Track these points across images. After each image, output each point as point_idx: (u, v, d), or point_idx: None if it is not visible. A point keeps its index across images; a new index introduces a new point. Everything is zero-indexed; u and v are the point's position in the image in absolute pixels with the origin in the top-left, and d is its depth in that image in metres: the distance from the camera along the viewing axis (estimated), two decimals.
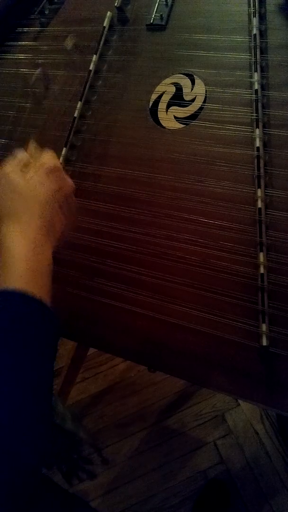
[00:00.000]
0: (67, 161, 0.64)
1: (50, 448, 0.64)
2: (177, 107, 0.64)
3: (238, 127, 0.58)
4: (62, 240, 0.50)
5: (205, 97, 0.62)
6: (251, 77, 0.60)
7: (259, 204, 0.53)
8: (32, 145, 0.52)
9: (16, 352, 0.37)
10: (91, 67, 0.69)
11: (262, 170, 0.54)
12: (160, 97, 0.65)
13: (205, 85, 0.63)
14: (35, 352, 0.39)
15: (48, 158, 0.50)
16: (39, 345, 0.40)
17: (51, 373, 0.42)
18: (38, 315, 0.41)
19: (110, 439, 1.38)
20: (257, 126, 0.57)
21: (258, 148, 0.55)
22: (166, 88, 0.66)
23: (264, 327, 0.48)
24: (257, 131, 0.56)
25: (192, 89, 0.64)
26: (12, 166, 0.49)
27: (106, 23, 0.72)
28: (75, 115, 0.66)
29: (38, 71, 0.55)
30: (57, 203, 0.49)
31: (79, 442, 0.66)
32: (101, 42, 0.71)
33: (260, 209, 0.52)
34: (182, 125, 0.62)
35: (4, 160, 0.51)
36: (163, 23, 0.71)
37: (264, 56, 0.61)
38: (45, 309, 0.41)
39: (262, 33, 0.63)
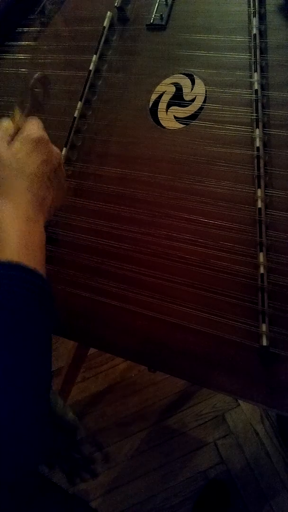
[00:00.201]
0: (67, 161, 0.64)
1: (50, 446, 0.64)
2: (177, 107, 0.64)
3: (238, 127, 0.58)
4: (52, 214, 0.50)
5: (205, 97, 0.62)
6: (251, 77, 0.60)
7: (259, 204, 0.53)
8: (17, 114, 0.51)
9: (13, 326, 0.37)
10: (91, 67, 0.69)
11: (262, 170, 0.54)
12: (160, 97, 0.65)
13: (205, 85, 0.63)
14: (32, 324, 0.39)
15: (34, 128, 0.49)
16: (36, 317, 0.39)
17: (48, 350, 0.41)
18: (34, 287, 0.40)
19: (110, 439, 1.38)
20: (257, 126, 0.57)
21: (258, 148, 0.55)
22: (166, 88, 0.66)
23: (264, 327, 0.48)
24: (257, 131, 0.56)
25: (192, 89, 0.64)
26: None
27: (106, 23, 0.73)
28: (75, 115, 0.66)
29: (37, 75, 0.54)
30: (46, 175, 0.48)
31: (79, 440, 0.66)
32: (101, 42, 0.71)
33: (260, 209, 0.52)
34: (182, 125, 0.62)
35: None
36: (163, 23, 0.71)
37: (264, 56, 0.61)
38: (41, 280, 0.41)
39: (262, 33, 0.63)
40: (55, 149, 0.51)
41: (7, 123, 0.50)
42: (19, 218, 0.43)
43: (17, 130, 0.49)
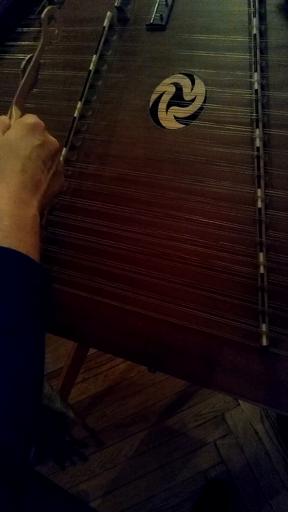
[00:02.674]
0: (67, 161, 0.64)
1: (38, 430, 0.64)
2: (177, 107, 0.64)
3: (238, 127, 0.58)
4: (50, 201, 0.50)
5: (205, 97, 0.62)
6: (251, 77, 0.60)
7: (259, 204, 0.53)
8: (15, 112, 0.52)
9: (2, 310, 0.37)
10: (91, 67, 0.69)
11: (262, 170, 0.54)
12: (160, 97, 0.65)
13: (205, 85, 0.63)
14: (21, 309, 0.39)
15: (29, 116, 0.50)
16: (26, 301, 0.39)
17: (39, 340, 0.41)
18: (25, 272, 0.40)
19: (110, 439, 1.38)
20: (257, 126, 0.57)
21: (258, 148, 0.55)
22: (166, 88, 0.66)
23: (264, 327, 0.48)
24: (257, 131, 0.56)
25: (192, 89, 0.64)
26: None
27: (106, 23, 0.72)
28: (75, 115, 0.66)
29: (28, 57, 0.55)
30: (40, 159, 0.48)
31: (69, 424, 0.66)
32: (101, 42, 0.71)
33: (260, 209, 0.52)
34: (182, 125, 0.62)
35: None
36: (163, 23, 0.71)
37: (264, 56, 0.61)
38: (31, 263, 0.41)
39: (262, 33, 0.63)
40: (52, 137, 0.51)
41: (4, 117, 0.50)
42: (10, 199, 0.43)
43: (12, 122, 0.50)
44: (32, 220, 0.44)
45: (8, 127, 0.49)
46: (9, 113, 0.52)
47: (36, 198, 0.46)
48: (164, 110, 0.64)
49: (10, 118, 0.51)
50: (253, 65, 0.61)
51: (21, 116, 0.51)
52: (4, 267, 0.39)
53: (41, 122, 0.50)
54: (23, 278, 0.40)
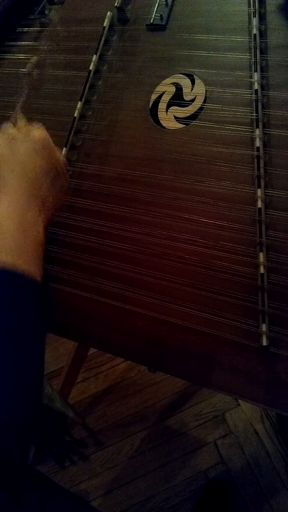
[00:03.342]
0: (67, 161, 0.64)
1: (37, 430, 0.64)
2: (177, 107, 0.64)
3: (238, 127, 0.58)
4: (52, 214, 0.50)
5: (205, 97, 0.62)
6: (251, 77, 0.60)
7: (259, 204, 0.53)
8: (21, 120, 0.51)
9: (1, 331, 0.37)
10: (91, 67, 0.69)
11: (262, 170, 0.54)
12: (160, 97, 0.65)
13: (205, 85, 0.63)
14: (21, 330, 0.39)
15: (36, 130, 0.49)
16: (25, 322, 0.39)
17: (39, 358, 0.41)
18: (24, 291, 0.40)
19: (110, 439, 1.38)
20: (257, 126, 0.57)
21: (258, 148, 0.55)
22: (166, 88, 0.66)
23: (264, 327, 0.48)
24: (257, 131, 0.56)
25: (192, 89, 0.64)
26: (2, 141, 0.48)
27: (106, 23, 0.73)
28: (75, 115, 0.66)
29: (34, 59, 0.54)
30: (49, 177, 0.48)
31: (69, 423, 0.66)
32: (101, 42, 0.71)
33: (260, 209, 0.52)
34: (182, 125, 0.62)
35: None
36: (163, 23, 0.71)
37: (264, 56, 0.61)
38: (33, 284, 0.41)
39: (262, 33, 0.63)
40: (57, 149, 0.51)
41: (9, 128, 0.50)
42: (15, 220, 0.43)
43: (19, 133, 0.49)
44: (37, 239, 0.44)
45: (14, 138, 0.48)
46: (14, 119, 0.51)
47: (42, 216, 0.46)
48: (164, 110, 0.64)
49: (14, 125, 0.51)
50: (253, 65, 0.61)
51: (25, 124, 0.51)
52: (4, 288, 0.39)
53: (48, 136, 0.50)
54: (23, 299, 0.40)
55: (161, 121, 0.64)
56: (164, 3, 0.72)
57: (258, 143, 0.56)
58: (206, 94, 0.62)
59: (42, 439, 0.66)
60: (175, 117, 0.63)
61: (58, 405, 0.64)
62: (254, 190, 0.54)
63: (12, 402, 0.35)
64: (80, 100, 0.67)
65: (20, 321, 0.39)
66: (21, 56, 0.78)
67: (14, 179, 0.45)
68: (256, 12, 0.64)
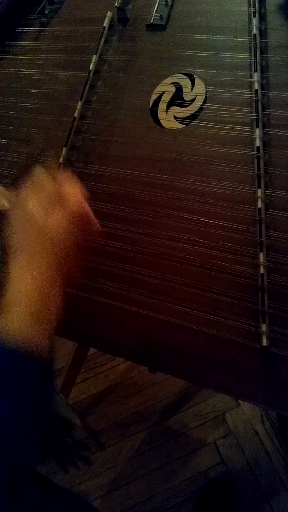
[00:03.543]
0: (67, 162, 0.64)
1: (40, 437, 0.64)
2: (177, 107, 0.64)
3: (238, 127, 0.58)
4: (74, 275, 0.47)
5: (205, 97, 0.62)
6: (251, 77, 0.60)
7: (259, 204, 0.53)
8: (62, 176, 0.48)
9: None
10: (91, 67, 0.69)
11: (262, 170, 0.54)
12: (160, 97, 0.65)
13: (205, 85, 0.63)
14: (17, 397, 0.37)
15: (76, 198, 0.46)
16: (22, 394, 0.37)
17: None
18: (25, 370, 0.38)
19: (111, 439, 1.38)
20: (257, 126, 0.56)
21: (258, 148, 0.55)
22: (166, 88, 0.66)
23: (264, 327, 0.48)
24: (257, 131, 0.56)
25: (192, 89, 0.64)
26: (36, 201, 0.45)
27: (106, 23, 0.73)
28: (75, 115, 0.66)
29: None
30: (77, 245, 0.45)
31: (72, 426, 0.65)
32: (101, 42, 0.71)
33: (260, 209, 0.52)
34: (182, 125, 0.62)
35: (29, 186, 0.46)
36: (163, 23, 0.71)
37: (264, 56, 0.61)
38: (37, 364, 0.38)
39: (262, 33, 0.63)
40: (95, 222, 0.47)
41: (49, 185, 0.46)
42: (34, 284, 0.41)
43: (58, 192, 0.46)
44: (53, 306, 0.42)
45: (52, 200, 0.45)
46: (53, 174, 0.48)
47: (63, 283, 0.43)
48: (164, 110, 0.64)
49: (52, 178, 0.47)
50: (253, 65, 0.61)
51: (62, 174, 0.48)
52: (8, 362, 0.37)
53: (86, 206, 0.46)
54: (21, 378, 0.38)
55: (161, 121, 0.64)
56: (164, 3, 0.72)
57: (258, 143, 0.55)
58: (206, 94, 0.62)
59: (42, 439, 0.66)
60: (175, 117, 0.63)
61: (62, 410, 0.64)
62: (254, 190, 0.54)
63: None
64: (80, 100, 0.67)
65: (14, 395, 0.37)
66: (21, 56, 0.78)
67: (41, 247, 0.43)
68: (256, 12, 0.64)
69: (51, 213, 0.44)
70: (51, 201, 0.45)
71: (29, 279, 0.41)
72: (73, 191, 0.47)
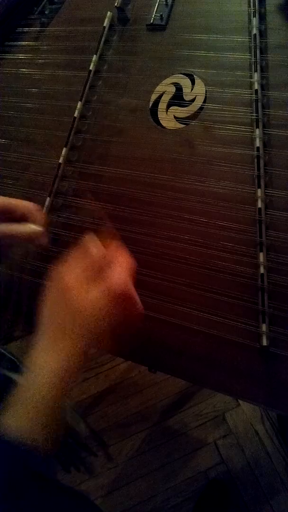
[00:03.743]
0: (67, 162, 0.64)
1: None
2: (177, 107, 0.64)
3: (238, 127, 0.58)
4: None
5: (205, 97, 0.62)
6: (251, 77, 0.60)
7: (259, 204, 0.53)
8: (112, 247, 0.44)
9: None
10: (91, 67, 0.69)
11: (262, 170, 0.54)
12: (160, 97, 0.65)
13: (205, 85, 0.63)
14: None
15: (121, 277, 0.41)
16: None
17: None
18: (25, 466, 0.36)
19: (111, 439, 1.38)
20: (257, 126, 0.56)
21: (258, 148, 0.55)
22: (166, 88, 0.66)
23: (264, 327, 0.48)
24: (257, 131, 0.56)
25: (192, 89, 0.64)
26: (77, 272, 0.41)
27: (106, 23, 0.73)
28: (75, 115, 0.66)
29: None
30: (113, 329, 0.41)
31: (77, 431, 0.65)
32: (101, 42, 0.71)
33: (260, 209, 0.52)
34: (182, 125, 0.62)
35: (74, 252, 0.43)
36: (163, 23, 0.71)
37: (264, 56, 0.61)
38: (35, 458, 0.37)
39: (262, 33, 0.63)
40: (138, 303, 0.43)
41: (97, 250, 0.42)
42: (57, 370, 0.38)
43: (106, 261, 0.42)
44: (62, 398, 0.39)
45: (96, 270, 0.41)
46: (102, 238, 0.43)
47: (82, 370, 0.42)
48: (164, 110, 0.64)
49: (104, 243, 0.43)
50: (253, 65, 0.61)
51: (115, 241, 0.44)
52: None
53: (131, 286, 0.41)
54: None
55: (161, 121, 0.64)
56: (164, 3, 0.72)
57: (258, 143, 0.55)
58: (206, 94, 0.62)
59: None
60: (175, 117, 0.63)
61: (68, 418, 0.63)
62: (254, 190, 0.54)
63: None
64: (80, 100, 0.67)
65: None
66: (21, 56, 0.78)
67: (72, 329, 0.40)
68: (256, 12, 0.64)
69: (91, 288, 0.40)
70: (94, 275, 0.41)
71: (53, 366, 0.38)
72: (121, 269, 0.42)
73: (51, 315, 0.41)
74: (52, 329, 0.40)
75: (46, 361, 0.39)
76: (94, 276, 0.41)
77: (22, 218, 0.48)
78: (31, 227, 0.48)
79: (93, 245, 0.43)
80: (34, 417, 0.37)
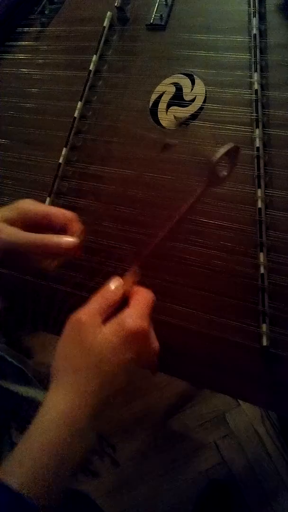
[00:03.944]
0: (68, 162, 0.64)
1: None
2: (177, 107, 0.63)
3: (238, 127, 0.58)
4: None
5: (205, 97, 0.62)
6: (251, 77, 0.60)
7: (259, 204, 0.52)
8: (130, 278, 0.44)
9: None
10: (91, 67, 0.69)
11: (262, 170, 0.54)
12: (160, 97, 0.65)
13: (205, 85, 0.63)
14: None
15: (136, 316, 0.40)
16: None
17: None
18: None
19: (112, 440, 1.38)
20: (257, 126, 0.56)
21: (258, 148, 0.55)
22: (166, 88, 0.65)
23: (264, 327, 0.48)
24: (257, 131, 0.56)
25: (192, 89, 0.64)
26: (94, 308, 0.41)
27: (106, 23, 0.72)
28: (75, 115, 0.66)
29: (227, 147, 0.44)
30: (128, 373, 0.40)
31: None
32: (101, 42, 0.71)
33: (260, 209, 0.52)
34: (182, 125, 0.62)
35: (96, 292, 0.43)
36: (163, 23, 0.71)
37: (264, 56, 0.61)
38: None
39: (262, 33, 0.63)
40: (154, 342, 0.42)
41: (116, 286, 0.42)
42: (65, 420, 0.36)
43: (122, 298, 0.42)
44: (77, 449, 0.36)
45: (113, 307, 0.41)
46: (125, 276, 0.43)
47: (95, 422, 0.38)
48: (164, 110, 0.64)
49: (124, 281, 0.43)
50: (253, 65, 0.61)
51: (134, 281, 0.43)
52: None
53: (146, 324, 0.40)
54: None
55: (161, 121, 0.64)
56: (164, 3, 0.72)
57: (258, 143, 0.55)
58: (206, 94, 0.62)
59: None
60: (175, 117, 0.63)
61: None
62: (254, 190, 0.54)
63: None
64: (81, 100, 0.67)
65: None
66: (21, 56, 0.78)
67: (85, 374, 0.38)
68: (256, 12, 0.64)
69: (106, 326, 0.39)
70: (111, 312, 0.41)
71: (60, 415, 0.36)
72: (138, 307, 0.41)
73: (63, 354, 0.40)
74: (62, 370, 0.39)
75: (56, 401, 0.37)
76: (111, 314, 0.41)
77: (61, 227, 0.47)
78: (66, 240, 0.46)
79: (112, 282, 0.42)
80: (39, 469, 0.34)
